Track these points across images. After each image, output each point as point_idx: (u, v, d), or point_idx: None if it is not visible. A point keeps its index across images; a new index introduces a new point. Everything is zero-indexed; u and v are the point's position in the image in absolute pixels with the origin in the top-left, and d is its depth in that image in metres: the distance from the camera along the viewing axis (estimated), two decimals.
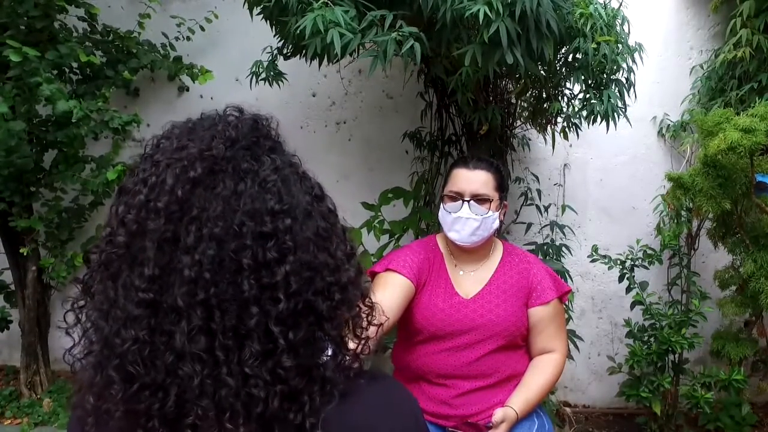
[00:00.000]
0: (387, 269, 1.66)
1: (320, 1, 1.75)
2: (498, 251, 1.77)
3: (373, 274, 1.71)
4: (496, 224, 1.68)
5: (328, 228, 0.69)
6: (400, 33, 1.74)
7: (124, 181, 0.69)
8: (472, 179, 1.66)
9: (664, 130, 3.02)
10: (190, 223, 0.62)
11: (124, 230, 0.64)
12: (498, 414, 1.53)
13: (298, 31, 1.75)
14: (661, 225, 2.90)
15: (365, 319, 0.73)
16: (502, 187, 1.70)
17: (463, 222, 1.64)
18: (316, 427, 0.63)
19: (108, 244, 0.65)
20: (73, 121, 2.50)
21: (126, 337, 0.61)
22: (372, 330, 0.75)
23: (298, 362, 0.63)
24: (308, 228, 0.66)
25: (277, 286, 0.62)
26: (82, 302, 0.68)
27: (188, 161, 0.64)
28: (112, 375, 0.62)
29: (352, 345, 0.72)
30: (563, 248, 2.74)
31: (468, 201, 1.64)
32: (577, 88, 2.28)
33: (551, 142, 2.59)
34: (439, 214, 1.71)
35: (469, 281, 1.71)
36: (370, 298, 0.75)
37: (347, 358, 0.70)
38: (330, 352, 0.68)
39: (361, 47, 1.84)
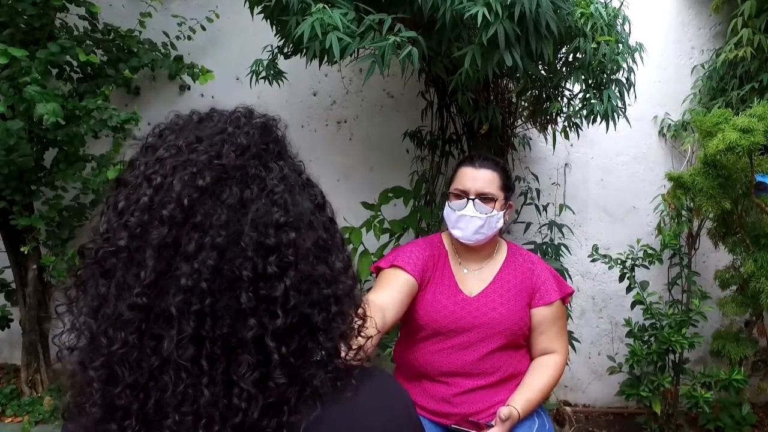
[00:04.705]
0: (392, 265, 1.67)
1: (319, 4, 1.75)
2: (503, 251, 1.77)
3: (378, 270, 1.71)
4: (500, 224, 1.68)
5: (328, 239, 0.69)
6: (399, 37, 1.74)
7: (123, 174, 0.67)
8: (478, 178, 1.66)
9: (665, 130, 3.02)
10: (193, 230, 0.61)
11: (126, 234, 0.62)
12: (504, 410, 1.53)
13: (296, 35, 1.75)
14: (662, 224, 2.89)
15: (356, 331, 0.73)
16: (507, 187, 1.71)
17: (467, 220, 1.65)
18: None
19: (106, 242, 0.63)
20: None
21: (114, 339, 0.60)
22: (361, 341, 0.74)
23: (290, 374, 0.62)
24: (310, 238, 0.66)
25: (276, 300, 0.61)
26: (73, 295, 0.66)
27: (197, 168, 0.63)
28: (94, 373, 0.61)
29: (342, 354, 0.71)
30: (562, 247, 2.74)
31: (473, 199, 1.65)
32: (577, 88, 2.28)
33: (552, 141, 2.59)
34: (444, 211, 1.71)
35: (474, 279, 1.71)
36: (363, 310, 0.74)
37: (337, 368, 0.68)
38: (320, 359, 0.66)
39: (360, 49, 1.84)
